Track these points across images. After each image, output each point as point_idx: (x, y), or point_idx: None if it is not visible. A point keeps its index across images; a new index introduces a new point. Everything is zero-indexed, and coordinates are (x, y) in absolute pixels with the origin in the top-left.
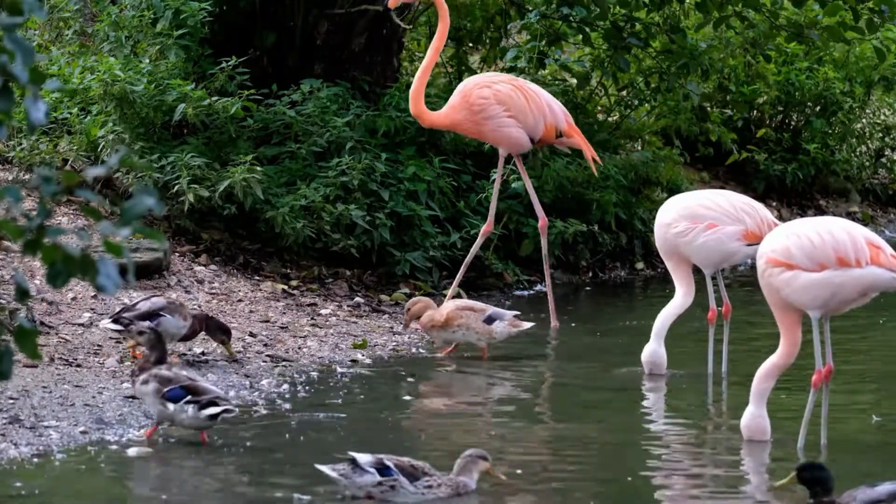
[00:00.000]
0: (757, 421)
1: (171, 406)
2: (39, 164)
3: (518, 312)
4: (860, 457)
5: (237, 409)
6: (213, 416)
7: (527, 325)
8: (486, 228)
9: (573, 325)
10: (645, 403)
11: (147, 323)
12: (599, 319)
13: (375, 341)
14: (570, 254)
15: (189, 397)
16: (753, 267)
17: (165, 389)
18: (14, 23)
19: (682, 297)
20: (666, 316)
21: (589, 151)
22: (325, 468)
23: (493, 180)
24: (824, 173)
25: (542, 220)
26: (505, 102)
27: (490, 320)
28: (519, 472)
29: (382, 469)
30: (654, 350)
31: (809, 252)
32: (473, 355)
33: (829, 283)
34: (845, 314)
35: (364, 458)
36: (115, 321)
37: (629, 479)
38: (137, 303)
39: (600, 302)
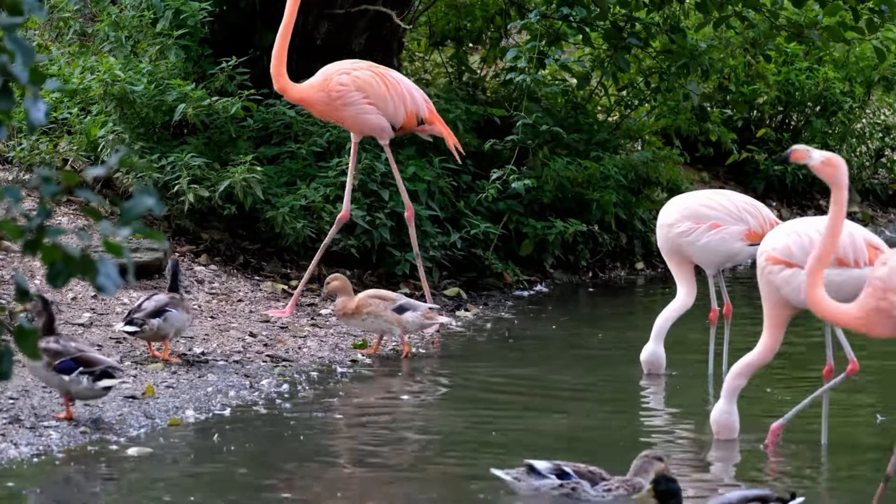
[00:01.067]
0: (726, 418)
1: (65, 378)
2: (39, 164)
3: (437, 306)
4: (864, 457)
5: (130, 381)
6: (108, 388)
7: (443, 318)
8: (342, 215)
9: (573, 325)
10: (645, 404)
11: (158, 320)
12: (599, 319)
13: (375, 341)
14: (570, 254)
15: (81, 368)
16: (753, 266)
17: (56, 362)
18: (14, 23)
19: (683, 298)
20: (666, 317)
21: (451, 139)
22: (500, 472)
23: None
24: None
25: (409, 209)
26: (364, 89)
27: (401, 310)
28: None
29: (561, 474)
30: (653, 350)
31: (809, 251)
32: (472, 355)
33: (827, 283)
34: None
35: (542, 464)
36: (130, 323)
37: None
38: (142, 303)
39: (600, 302)
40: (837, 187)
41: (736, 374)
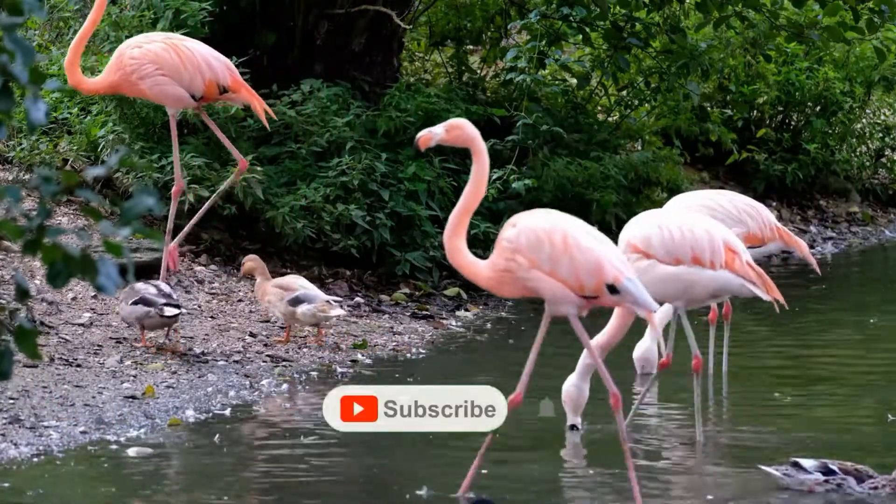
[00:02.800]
0: (574, 391)
1: None
2: (39, 164)
3: (338, 299)
4: (878, 458)
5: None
6: None
7: (336, 311)
8: (175, 189)
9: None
10: (644, 403)
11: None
12: (599, 319)
13: (375, 341)
14: None
15: None
16: None
17: None
18: (14, 23)
19: None
20: (664, 315)
21: (260, 106)
22: (768, 468)
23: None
24: (824, 173)
25: (242, 162)
26: (156, 61)
27: (296, 302)
28: (508, 469)
29: (826, 471)
30: (647, 347)
31: (668, 246)
32: (472, 355)
33: (680, 279)
34: (835, 315)
35: (808, 461)
36: (176, 306)
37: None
38: (167, 289)
39: None
40: (472, 143)
41: (588, 355)
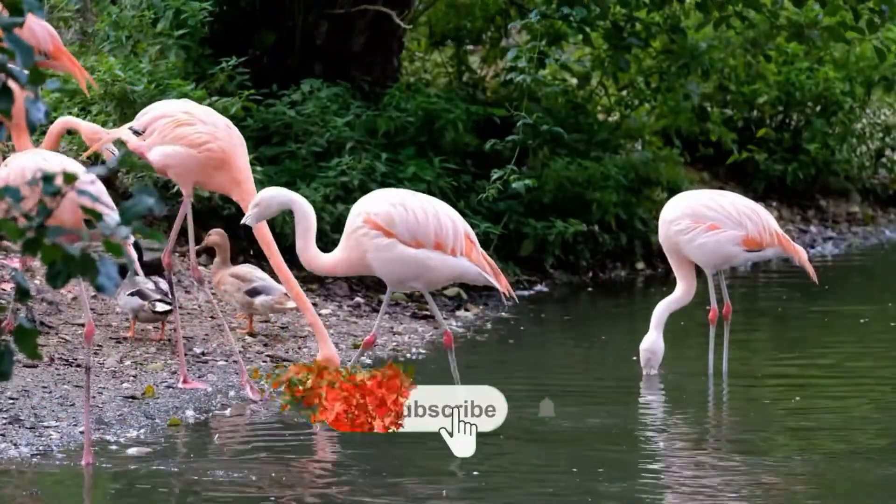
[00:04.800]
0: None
1: None
2: None
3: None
4: (880, 454)
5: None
6: None
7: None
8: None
9: (573, 325)
10: (645, 403)
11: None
12: (600, 319)
13: (375, 341)
14: (570, 254)
15: None
16: (754, 267)
17: None
18: (14, 22)
19: (682, 294)
20: (665, 308)
21: (82, 76)
22: None
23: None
24: (824, 173)
25: None
26: None
27: (254, 293)
28: (509, 471)
29: None
30: (654, 340)
31: (413, 227)
32: (473, 355)
33: (421, 263)
34: (830, 314)
35: None
36: (169, 304)
37: (630, 478)
38: (158, 285)
39: (600, 302)
40: None
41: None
